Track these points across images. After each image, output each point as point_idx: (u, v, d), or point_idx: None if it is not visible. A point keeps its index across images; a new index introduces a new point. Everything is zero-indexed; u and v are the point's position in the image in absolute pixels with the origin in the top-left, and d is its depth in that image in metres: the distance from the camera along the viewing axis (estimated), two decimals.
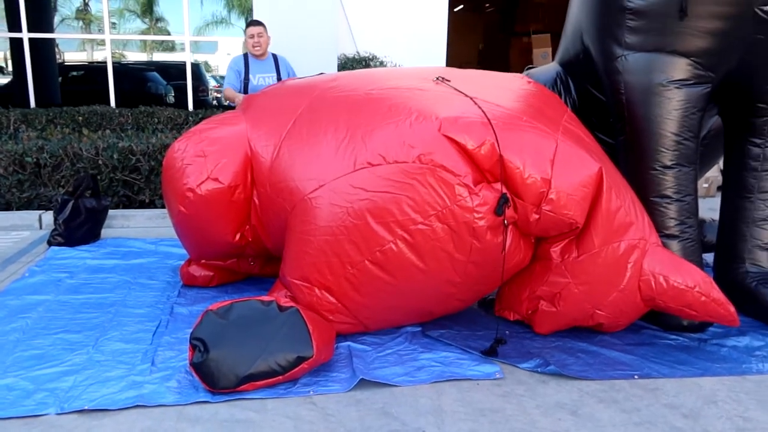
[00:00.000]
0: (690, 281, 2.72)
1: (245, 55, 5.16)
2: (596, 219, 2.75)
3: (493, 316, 3.18)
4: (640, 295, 2.79)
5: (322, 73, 3.82)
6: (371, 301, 2.84)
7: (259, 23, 5.18)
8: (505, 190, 2.64)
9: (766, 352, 2.93)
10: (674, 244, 3.12)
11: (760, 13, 2.93)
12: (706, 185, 6.53)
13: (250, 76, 5.08)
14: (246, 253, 3.52)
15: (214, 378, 2.42)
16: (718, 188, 6.51)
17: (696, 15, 2.96)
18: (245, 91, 5.06)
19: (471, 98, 2.86)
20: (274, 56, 5.25)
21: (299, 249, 2.87)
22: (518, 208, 2.69)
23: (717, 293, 2.73)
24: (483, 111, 2.75)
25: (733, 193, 3.43)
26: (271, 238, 3.29)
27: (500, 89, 3.18)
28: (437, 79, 3.11)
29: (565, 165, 2.69)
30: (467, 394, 2.51)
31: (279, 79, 5.09)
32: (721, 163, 4.88)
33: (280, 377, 2.49)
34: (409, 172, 2.64)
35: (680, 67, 3.09)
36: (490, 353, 2.77)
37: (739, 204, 3.37)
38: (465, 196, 2.60)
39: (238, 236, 3.33)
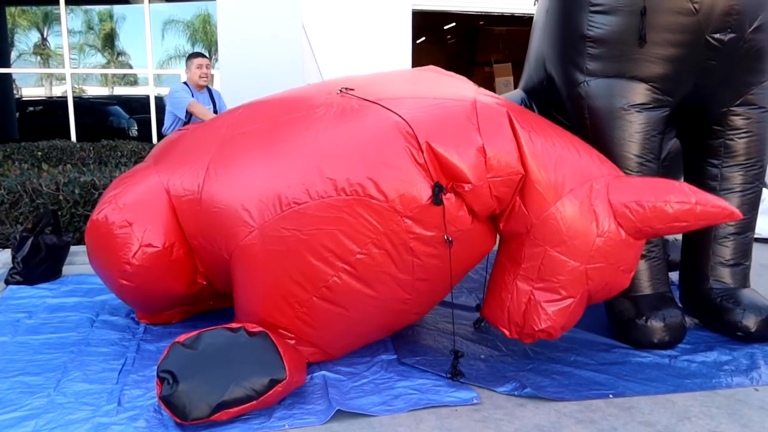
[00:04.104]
0: (664, 195, 2.60)
1: (186, 84, 5.10)
2: (536, 178, 2.65)
3: (483, 332, 3.18)
4: (624, 231, 2.66)
5: None
6: (327, 332, 2.82)
7: (205, 55, 5.18)
8: (440, 180, 2.57)
9: (734, 366, 2.99)
10: (641, 263, 3.19)
11: (711, 40, 3.07)
12: None
13: None
14: (201, 297, 3.44)
15: (186, 409, 2.34)
16: None
17: (653, 42, 3.09)
18: (188, 122, 4.99)
19: (377, 103, 2.79)
20: (209, 89, 5.24)
21: (246, 296, 2.85)
22: (467, 194, 2.59)
23: (699, 195, 2.60)
24: (394, 112, 2.68)
25: None
26: (216, 281, 3.23)
27: (405, 82, 3.15)
28: (341, 91, 3.01)
29: (490, 126, 2.62)
30: (446, 421, 2.48)
31: (216, 111, 5.07)
32: None
33: (255, 402, 2.41)
34: (337, 206, 2.58)
35: (640, 92, 3.20)
36: (456, 374, 2.73)
37: None
38: (397, 220, 2.57)
39: (191, 286, 3.23)
